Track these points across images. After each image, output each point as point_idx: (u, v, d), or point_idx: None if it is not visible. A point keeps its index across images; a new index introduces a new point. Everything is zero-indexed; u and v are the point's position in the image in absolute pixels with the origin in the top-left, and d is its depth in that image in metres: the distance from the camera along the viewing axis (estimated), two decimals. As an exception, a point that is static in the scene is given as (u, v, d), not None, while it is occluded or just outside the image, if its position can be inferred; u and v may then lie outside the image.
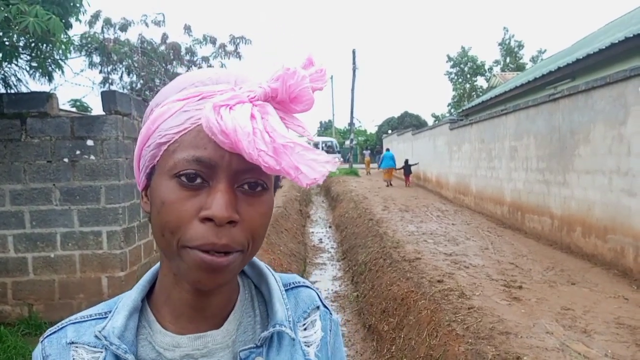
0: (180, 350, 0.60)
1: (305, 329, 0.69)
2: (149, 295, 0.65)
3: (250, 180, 0.55)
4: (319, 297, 0.75)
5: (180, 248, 0.54)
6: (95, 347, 0.60)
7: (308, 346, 0.68)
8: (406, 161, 19.10)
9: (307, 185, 0.53)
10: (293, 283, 0.74)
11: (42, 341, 0.63)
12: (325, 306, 0.75)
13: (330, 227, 12.51)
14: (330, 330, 0.73)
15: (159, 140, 0.56)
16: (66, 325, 0.63)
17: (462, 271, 5.41)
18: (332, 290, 6.87)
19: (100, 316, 0.63)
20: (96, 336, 0.59)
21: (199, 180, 0.54)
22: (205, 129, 0.52)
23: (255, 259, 0.71)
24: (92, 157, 4.63)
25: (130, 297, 0.62)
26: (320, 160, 0.53)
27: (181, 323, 0.61)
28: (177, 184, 0.54)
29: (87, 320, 0.63)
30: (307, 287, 0.75)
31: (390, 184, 18.68)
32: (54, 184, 4.62)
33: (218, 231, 0.53)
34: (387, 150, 22.17)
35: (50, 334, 0.63)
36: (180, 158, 0.54)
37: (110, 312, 0.62)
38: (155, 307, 0.63)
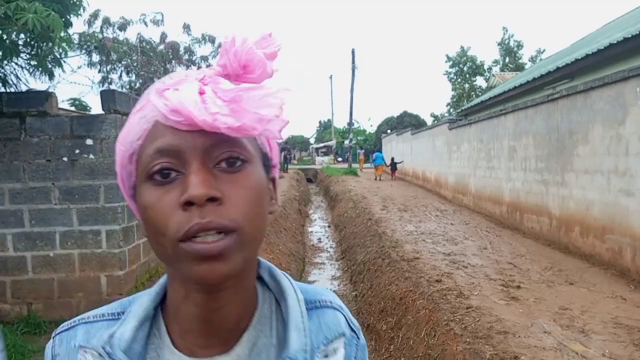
0: None
1: (325, 356, 0.63)
2: (163, 302, 0.62)
3: (224, 155, 0.52)
4: (347, 321, 0.68)
5: (175, 247, 0.51)
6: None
7: None
8: (392, 159, 22.58)
9: (280, 130, 0.50)
10: (319, 302, 0.67)
11: (54, 337, 0.62)
12: (353, 330, 0.68)
13: (329, 226, 12.52)
14: (354, 358, 0.67)
15: (128, 155, 0.55)
16: (78, 324, 0.62)
17: (461, 271, 5.42)
18: (330, 289, 6.87)
19: (113, 317, 0.61)
20: (103, 348, 0.57)
21: (173, 175, 0.52)
22: (160, 118, 0.51)
23: (277, 270, 0.66)
24: (92, 156, 4.63)
25: (142, 305, 0.60)
26: (273, 92, 0.50)
27: (190, 339, 0.59)
28: (152, 185, 0.53)
29: (99, 321, 0.61)
30: (335, 309, 0.67)
31: (380, 179, 21.88)
32: (53, 183, 4.62)
33: (201, 211, 0.50)
34: (379, 151, 26.81)
35: (62, 331, 0.62)
36: (146, 156, 0.53)
37: (123, 312, 0.61)
38: (167, 317, 0.61)
